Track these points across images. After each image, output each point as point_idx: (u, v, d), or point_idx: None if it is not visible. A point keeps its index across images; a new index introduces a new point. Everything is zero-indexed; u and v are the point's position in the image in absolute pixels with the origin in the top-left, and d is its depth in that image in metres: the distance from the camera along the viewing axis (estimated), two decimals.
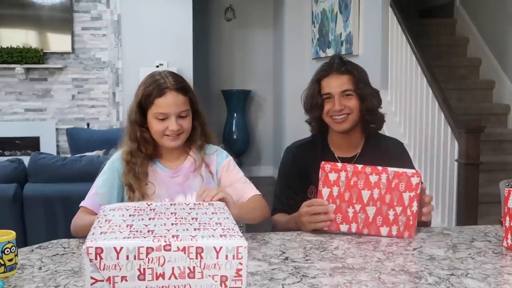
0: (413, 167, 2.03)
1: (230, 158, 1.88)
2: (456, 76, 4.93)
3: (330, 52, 5.38)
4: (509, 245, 1.58)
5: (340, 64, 1.93)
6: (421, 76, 3.95)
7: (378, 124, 2.02)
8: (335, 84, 1.91)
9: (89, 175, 2.98)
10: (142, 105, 1.77)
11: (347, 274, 1.35)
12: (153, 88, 1.74)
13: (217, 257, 1.11)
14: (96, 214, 1.63)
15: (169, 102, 1.73)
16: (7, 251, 1.32)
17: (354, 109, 1.91)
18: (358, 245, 1.59)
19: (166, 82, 1.75)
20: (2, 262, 1.31)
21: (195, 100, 1.81)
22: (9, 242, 1.34)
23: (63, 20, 5.98)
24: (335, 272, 1.36)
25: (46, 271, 1.37)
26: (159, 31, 6.06)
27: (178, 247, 1.10)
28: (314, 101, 1.94)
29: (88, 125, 6.01)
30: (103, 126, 6.10)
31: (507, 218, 1.58)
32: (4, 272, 1.32)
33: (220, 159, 1.85)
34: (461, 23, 5.36)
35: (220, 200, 1.51)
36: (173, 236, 1.12)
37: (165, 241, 1.10)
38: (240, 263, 1.11)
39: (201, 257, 1.11)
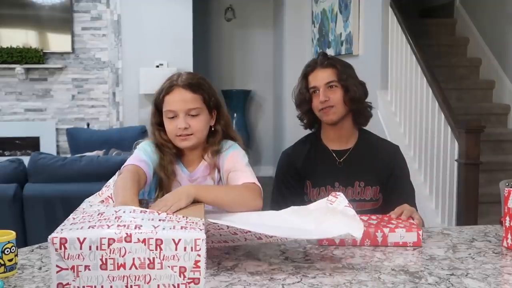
0: (408, 173, 2.06)
1: (238, 150, 1.75)
2: (456, 76, 4.92)
3: (330, 52, 5.38)
4: (509, 245, 1.58)
5: (323, 59, 2.03)
6: (421, 76, 3.95)
7: (366, 114, 2.06)
8: (320, 77, 2.00)
9: (89, 175, 3.00)
10: (157, 105, 1.75)
11: (347, 274, 1.35)
12: (165, 85, 1.72)
13: (176, 249, 1.15)
14: (145, 173, 1.62)
15: (176, 99, 1.69)
16: (7, 251, 1.32)
17: (338, 100, 1.98)
18: (358, 246, 1.59)
19: (177, 80, 1.71)
20: (2, 262, 1.31)
21: (211, 100, 1.74)
22: (9, 242, 1.34)
23: (63, 20, 5.98)
24: (335, 272, 1.36)
25: (46, 271, 1.36)
26: (159, 31, 6.06)
27: (138, 239, 1.15)
28: (303, 97, 2.03)
29: (88, 125, 6.01)
30: (103, 126, 6.10)
31: (507, 218, 1.58)
32: (4, 272, 1.32)
33: (227, 152, 1.74)
34: (461, 23, 5.36)
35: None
36: (135, 227, 1.17)
37: (126, 233, 1.14)
38: (198, 255, 1.15)
39: (160, 249, 1.15)
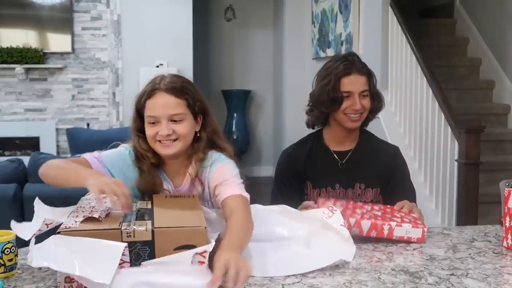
0: (408, 174, 2.05)
1: (225, 162, 1.63)
2: (456, 76, 4.92)
3: (330, 52, 5.38)
4: (509, 245, 1.58)
5: (360, 65, 1.98)
6: (421, 76, 3.94)
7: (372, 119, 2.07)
8: (357, 84, 1.94)
9: None
10: (139, 109, 1.63)
11: (347, 274, 1.35)
12: (147, 89, 1.62)
13: None
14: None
15: (158, 104, 1.57)
16: (7, 251, 1.32)
17: (367, 108, 1.97)
18: (358, 245, 1.59)
19: (160, 83, 1.60)
20: (2, 262, 1.31)
21: (196, 105, 1.63)
22: (9, 242, 1.34)
23: (63, 20, 5.97)
24: (335, 272, 1.36)
25: (46, 271, 1.36)
26: (159, 31, 6.05)
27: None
28: (332, 96, 1.92)
29: (88, 125, 6.01)
30: (103, 126, 6.10)
31: (507, 218, 1.58)
32: (4, 272, 1.32)
33: (213, 167, 1.62)
34: (461, 23, 5.36)
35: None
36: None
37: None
38: None
39: None
